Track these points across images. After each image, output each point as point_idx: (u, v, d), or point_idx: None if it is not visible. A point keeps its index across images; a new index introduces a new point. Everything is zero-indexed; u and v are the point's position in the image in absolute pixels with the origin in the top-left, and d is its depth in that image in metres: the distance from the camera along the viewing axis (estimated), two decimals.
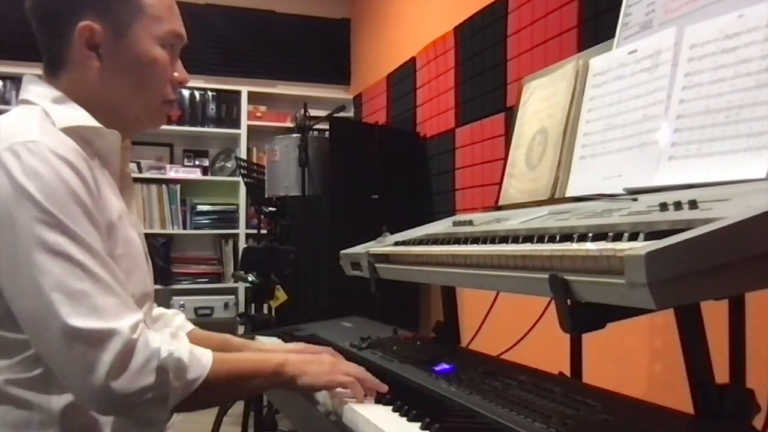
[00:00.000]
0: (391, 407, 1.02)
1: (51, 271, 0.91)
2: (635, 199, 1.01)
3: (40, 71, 1.11)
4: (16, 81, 4.25)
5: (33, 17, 1.08)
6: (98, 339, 0.91)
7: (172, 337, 1.00)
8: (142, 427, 1.00)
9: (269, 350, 1.35)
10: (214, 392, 1.03)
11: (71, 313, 0.90)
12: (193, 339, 1.30)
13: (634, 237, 0.75)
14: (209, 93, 4.72)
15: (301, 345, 1.35)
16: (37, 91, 1.07)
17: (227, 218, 4.75)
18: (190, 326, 1.35)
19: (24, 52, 3.78)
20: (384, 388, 1.10)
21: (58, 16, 1.06)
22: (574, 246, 0.82)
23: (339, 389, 1.10)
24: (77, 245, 0.93)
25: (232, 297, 4.65)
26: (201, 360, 1.01)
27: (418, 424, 0.93)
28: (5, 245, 0.92)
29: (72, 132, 1.01)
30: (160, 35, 1.10)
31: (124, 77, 1.09)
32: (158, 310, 1.33)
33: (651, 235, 0.73)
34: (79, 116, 1.05)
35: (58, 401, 0.99)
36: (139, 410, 0.95)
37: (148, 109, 1.13)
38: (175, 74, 1.14)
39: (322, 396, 1.17)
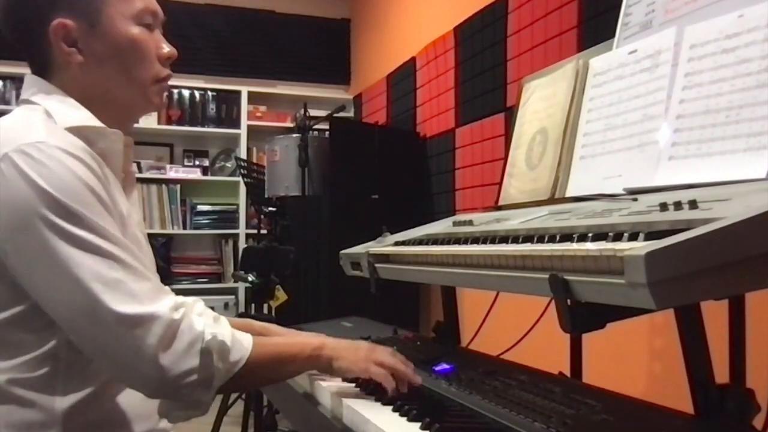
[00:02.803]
0: (391, 407, 1.02)
1: (84, 263, 0.92)
2: (635, 199, 1.01)
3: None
4: (16, 81, 4.25)
5: (6, 31, 1.08)
6: (140, 323, 0.93)
7: (215, 321, 1.02)
8: (187, 408, 1.01)
9: (303, 334, 1.34)
10: (254, 375, 1.05)
11: (113, 300, 0.92)
12: None
13: (634, 237, 0.75)
14: (209, 93, 4.72)
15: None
16: (38, 91, 1.07)
17: (227, 218, 4.75)
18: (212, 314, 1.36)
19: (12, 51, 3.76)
20: (418, 380, 1.10)
21: (29, 22, 1.06)
22: (574, 246, 0.82)
23: (344, 387, 1.11)
24: (101, 237, 0.94)
25: (232, 297, 4.65)
26: (243, 343, 1.03)
27: (418, 424, 0.93)
28: (31, 246, 0.93)
29: (75, 132, 1.01)
30: (133, 14, 1.09)
31: (109, 65, 1.08)
32: (179, 299, 1.34)
33: (651, 235, 0.73)
34: (82, 116, 1.05)
35: (62, 402, 0.99)
36: (186, 392, 0.96)
37: (141, 91, 1.12)
38: (162, 50, 1.13)
39: (322, 396, 1.17)
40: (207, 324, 0.99)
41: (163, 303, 0.96)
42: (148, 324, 0.93)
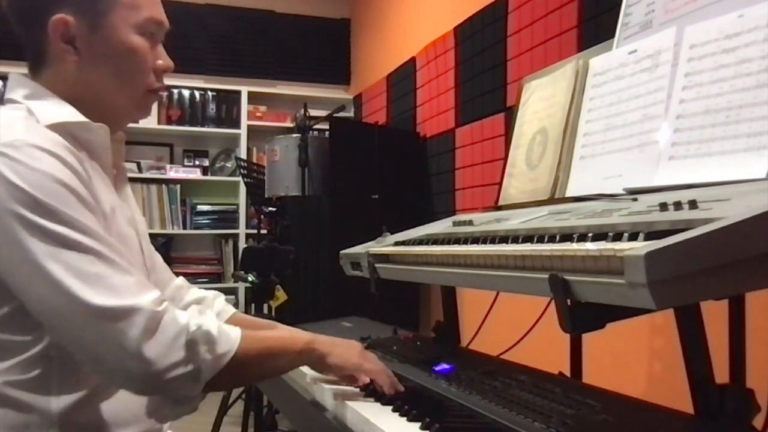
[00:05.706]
0: (391, 407, 1.02)
1: (63, 260, 0.91)
2: (635, 199, 1.01)
3: (27, 70, 1.10)
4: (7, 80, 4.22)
5: (10, 15, 1.07)
6: (122, 316, 0.91)
7: (199, 313, 1.01)
8: (177, 406, 0.99)
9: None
10: (243, 369, 1.03)
11: (92, 294, 0.91)
12: (237, 324, 1.31)
13: (634, 237, 0.75)
14: (209, 93, 4.72)
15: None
16: (22, 90, 1.06)
17: (227, 218, 4.75)
18: (232, 310, 1.35)
19: (12, 51, 3.71)
20: (400, 388, 1.11)
21: (32, 11, 1.05)
22: (574, 246, 0.82)
23: (344, 388, 1.11)
24: (80, 232, 0.93)
25: (232, 297, 4.65)
26: (230, 335, 1.00)
27: (418, 424, 0.93)
28: (6, 245, 0.92)
29: (58, 128, 1.00)
30: (137, 23, 1.07)
31: (103, 69, 1.07)
32: (199, 293, 1.35)
33: (651, 235, 0.73)
34: (64, 112, 1.04)
35: (57, 403, 0.98)
36: (173, 386, 0.95)
37: (132, 100, 1.11)
38: (158, 62, 1.12)
39: (323, 396, 1.17)
40: (191, 316, 0.98)
41: (146, 296, 0.94)
42: (130, 316, 0.91)
